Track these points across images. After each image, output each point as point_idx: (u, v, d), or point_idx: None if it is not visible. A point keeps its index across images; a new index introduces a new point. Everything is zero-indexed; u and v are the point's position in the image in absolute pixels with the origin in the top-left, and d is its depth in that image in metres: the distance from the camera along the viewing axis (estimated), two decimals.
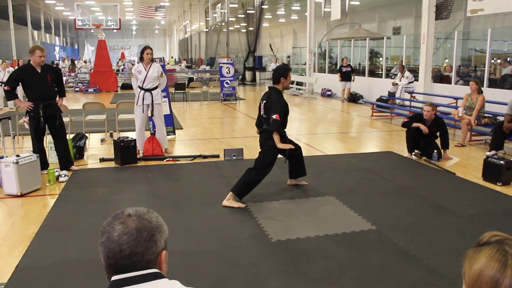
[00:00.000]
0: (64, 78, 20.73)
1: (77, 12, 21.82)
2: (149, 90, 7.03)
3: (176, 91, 15.97)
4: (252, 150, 7.44)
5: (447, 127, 7.07)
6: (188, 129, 9.95)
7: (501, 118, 7.85)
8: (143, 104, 7.05)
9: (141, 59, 7.06)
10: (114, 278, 1.22)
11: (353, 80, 15.63)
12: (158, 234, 1.26)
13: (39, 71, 5.80)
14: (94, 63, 21.83)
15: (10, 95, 5.96)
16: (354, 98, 15.62)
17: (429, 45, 12.10)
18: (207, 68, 30.53)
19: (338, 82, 15.92)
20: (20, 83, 5.90)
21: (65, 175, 5.86)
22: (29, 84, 5.81)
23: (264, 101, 4.91)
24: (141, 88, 7.03)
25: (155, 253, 1.24)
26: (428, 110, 6.80)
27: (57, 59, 37.69)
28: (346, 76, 15.57)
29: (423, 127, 6.79)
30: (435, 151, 6.80)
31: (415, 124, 6.88)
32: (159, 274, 1.24)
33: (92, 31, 22.70)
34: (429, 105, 6.87)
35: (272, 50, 29.44)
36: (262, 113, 4.96)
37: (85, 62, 32.80)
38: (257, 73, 25.64)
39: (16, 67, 10.60)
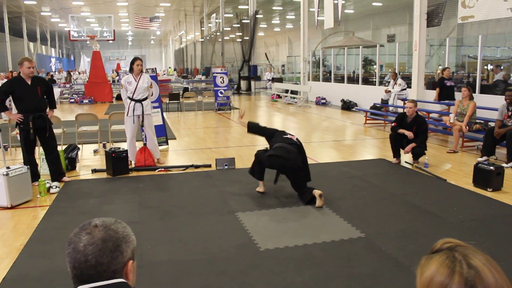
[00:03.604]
0: (59, 89, 20.85)
1: (72, 24, 21.89)
2: (140, 101, 7.05)
3: (170, 101, 15.99)
4: (244, 159, 7.45)
5: (428, 130, 7.12)
6: (182, 139, 9.96)
7: (492, 124, 7.88)
8: (133, 115, 7.06)
9: (131, 70, 7.09)
10: None
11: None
12: (124, 244, 1.26)
13: (29, 83, 5.80)
14: (89, 74, 21.84)
15: (0, 107, 5.97)
16: (348, 106, 15.65)
17: (421, 52, 12.17)
18: (203, 77, 30.62)
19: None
20: (10, 95, 5.91)
21: (56, 187, 5.85)
22: (19, 96, 5.81)
23: None
24: (131, 99, 7.04)
25: (121, 263, 1.24)
26: (410, 106, 7.00)
27: (53, 70, 37.72)
28: (448, 93, 10.78)
29: (408, 133, 6.86)
30: (426, 157, 6.86)
31: (400, 131, 6.96)
32: (124, 284, 1.24)
33: (87, 42, 22.80)
34: (411, 101, 7.12)
35: (267, 59, 29.55)
36: None
37: (79, 73, 32.86)
38: (252, 82, 25.69)
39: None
